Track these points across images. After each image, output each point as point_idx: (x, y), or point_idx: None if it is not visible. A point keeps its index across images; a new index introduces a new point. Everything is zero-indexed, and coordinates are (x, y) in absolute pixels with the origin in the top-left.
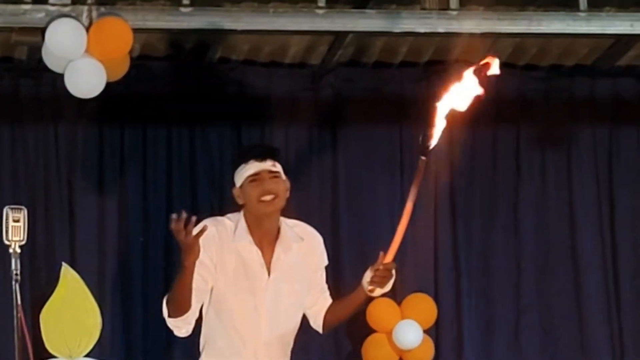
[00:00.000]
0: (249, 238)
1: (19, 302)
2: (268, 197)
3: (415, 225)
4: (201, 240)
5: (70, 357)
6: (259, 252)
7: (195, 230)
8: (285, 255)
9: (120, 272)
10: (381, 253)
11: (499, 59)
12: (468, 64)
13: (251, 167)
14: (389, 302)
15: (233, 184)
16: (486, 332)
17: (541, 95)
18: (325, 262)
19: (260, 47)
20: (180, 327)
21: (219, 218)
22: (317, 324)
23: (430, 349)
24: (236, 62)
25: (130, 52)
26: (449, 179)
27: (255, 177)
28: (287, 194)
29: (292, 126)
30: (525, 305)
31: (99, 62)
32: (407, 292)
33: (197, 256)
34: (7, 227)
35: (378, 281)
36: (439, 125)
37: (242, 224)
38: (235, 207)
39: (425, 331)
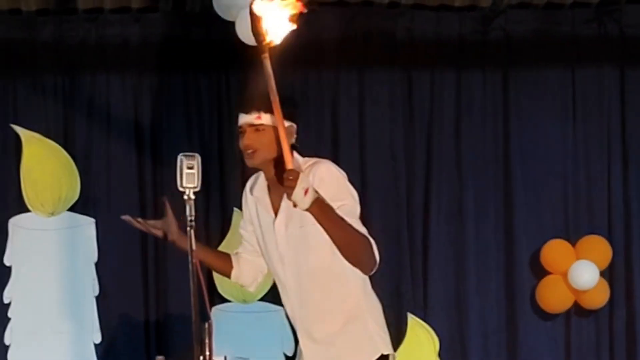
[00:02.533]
0: (264, 187)
1: (194, 248)
2: (247, 152)
3: (588, 167)
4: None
5: (244, 301)
6: (266, 198)
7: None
8: (286, 198)
9: None
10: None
11: None
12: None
13: (238, 120)
14: (563, 243)
15: None
16: None
17: None
18: (340, 197)
19: None
20: (243, 285)
21: (256, 174)
22: None
23: (605, 290)
24: (405, 6)
25: None
26: (620, 120)
27: (240, 130)
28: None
29: (462, 70)
30: None
31: None
32: (580, 234)
33: (170, 236)
34: (181, 174)
35: (285, 191)
36: (268, 20)
37: (262, 174)
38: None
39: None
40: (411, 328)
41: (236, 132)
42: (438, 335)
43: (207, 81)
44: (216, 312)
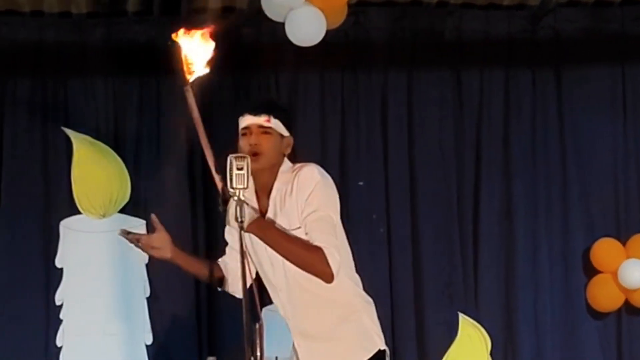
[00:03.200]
0: (252, 191)
1: (245, 248)
2: (252, 152)
3: (639, 165)
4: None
5: None
6: (253, 200)
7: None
8: (273, 202)
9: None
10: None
11: None
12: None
13: (244, 120)
14: (613, 242)
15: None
16: None
17: None
18: (314, 203)
19: None
20: (233, 293)
21: None
22: None
23: None
24: (454, 5)
25: None
26: None
27: (245, 131)
28: (285, 151)
29: (511, 69)
30: None
31: (319, 10)
32: (631, 232)
33: (165, 253)
34: (231, 175)
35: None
36: (195, 59)
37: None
38: None
39: None
40: (462, 328)
41: (239, 132)
42: (490, 334)
43: (257, 81)
44: (267, 313)
